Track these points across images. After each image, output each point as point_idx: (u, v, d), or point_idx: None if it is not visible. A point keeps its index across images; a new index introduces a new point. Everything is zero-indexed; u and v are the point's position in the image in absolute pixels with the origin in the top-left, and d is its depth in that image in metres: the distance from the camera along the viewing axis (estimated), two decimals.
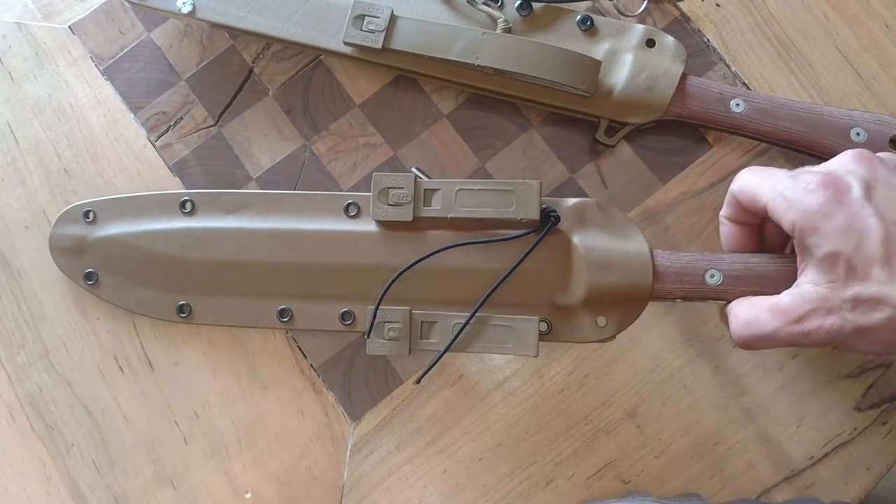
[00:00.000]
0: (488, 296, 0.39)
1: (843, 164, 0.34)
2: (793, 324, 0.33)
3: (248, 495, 0.43)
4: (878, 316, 0.31)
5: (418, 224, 0.41)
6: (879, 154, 0.34)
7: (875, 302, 0.31)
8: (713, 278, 0.38)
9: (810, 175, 0.34)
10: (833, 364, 0.43)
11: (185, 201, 0.43)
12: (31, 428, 0.44)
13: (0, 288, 0.45)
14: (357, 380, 0.43)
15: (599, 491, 0.42)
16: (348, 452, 0.43)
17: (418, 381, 0.41)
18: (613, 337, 0.40)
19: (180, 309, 0.43)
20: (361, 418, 0.43)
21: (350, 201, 0.42)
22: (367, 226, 0.42)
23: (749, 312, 0.35)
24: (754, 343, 0.35)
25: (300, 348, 0.44)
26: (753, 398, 0.42)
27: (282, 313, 0.42)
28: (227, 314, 0.43)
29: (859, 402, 0.42)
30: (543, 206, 0.39)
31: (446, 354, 0.39)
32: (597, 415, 0.43)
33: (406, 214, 0.40)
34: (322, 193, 0.43)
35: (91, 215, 0.43)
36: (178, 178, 0.46)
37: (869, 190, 0.32)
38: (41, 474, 0.43)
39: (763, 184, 0.35)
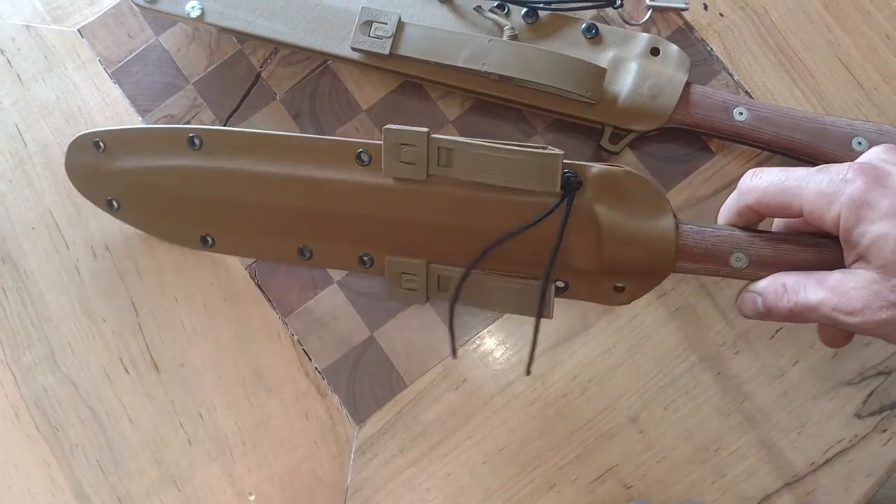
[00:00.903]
0: (490, 248, 0.38)
1: (876, 154, 0.34)
2: (839, 297, 0.32)
3: (252, 497, 0.43)
4: None
5: (432, 181, 0.39)
6: None
7: None
8: (739, 262, 0.37)
9: (842, 166, 0.32)
10: (834, 371, 0.43)
11: (193, 137, 0.41)
12: (35, 428, 0.44)
13: (7, 288, 0.45)
14: (361, 383, 0.44)
15: (602, 495, 0.42)
16: (352, 455, 0.43)
17: (454, 356, 0.40)
18: (628, 302, 0.39)
19: (203, 239, 0.43)
20: (365, 421, 0.43)
21: (361, 150, 0.39)
22: (379, 176, 0.39)
23: (795, 280, 0.34)
24: (796, 312, 0.33)
25: (305, 351, 0.44)
26: (755, 404, 0.43)
27: (301, 251, 0.42)
28: (249, 247, 0.43)
29: (860, 409, 0.42)
30: (565, 171, 0.37)
31: (450, 360, 0.39)
32: (599, 420, 0.43)
33: (420, 173, 0.38)
34: (332, 139, 0.40)
35: (101, 145, 0.42)
36: None
37: None
38: (45, 475, 0.43)
39: (790, 185, 0.34)
